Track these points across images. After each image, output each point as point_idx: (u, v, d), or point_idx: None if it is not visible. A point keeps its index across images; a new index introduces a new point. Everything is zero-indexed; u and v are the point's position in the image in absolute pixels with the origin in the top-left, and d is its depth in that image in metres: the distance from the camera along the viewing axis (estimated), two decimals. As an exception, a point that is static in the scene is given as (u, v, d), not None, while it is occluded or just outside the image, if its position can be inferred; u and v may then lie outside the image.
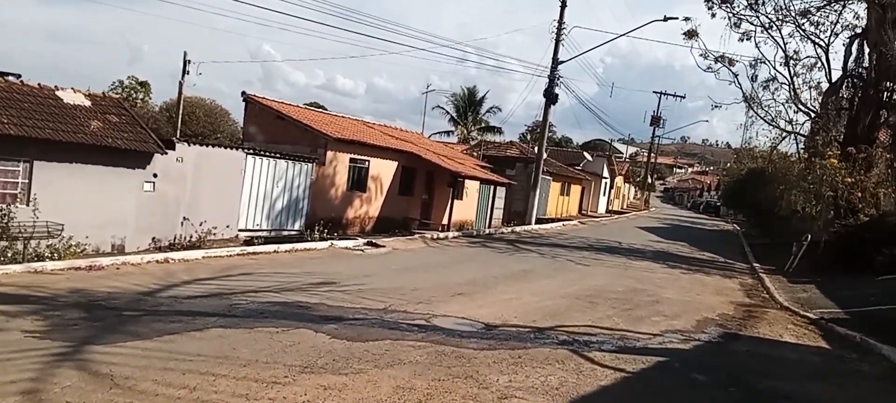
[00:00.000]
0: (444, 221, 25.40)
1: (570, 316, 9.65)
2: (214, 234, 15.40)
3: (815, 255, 18.88)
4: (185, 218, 14.68)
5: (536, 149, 27.33)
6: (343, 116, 25.14)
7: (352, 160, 21.64)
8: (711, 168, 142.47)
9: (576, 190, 40.69)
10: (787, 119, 21.24)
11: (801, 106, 20.36)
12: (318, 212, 20.15)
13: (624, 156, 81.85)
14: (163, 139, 14.43)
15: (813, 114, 19.43)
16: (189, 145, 15.39)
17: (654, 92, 58.52)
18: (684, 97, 56.63)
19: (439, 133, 52.27)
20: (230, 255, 12.63)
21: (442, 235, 19.16)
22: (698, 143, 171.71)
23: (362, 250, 14.47)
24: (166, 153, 13.92)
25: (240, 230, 16.76)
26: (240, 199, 16.79)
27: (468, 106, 54.71)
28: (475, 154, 33.98)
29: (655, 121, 56.39)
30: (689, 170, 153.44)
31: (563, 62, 25.78)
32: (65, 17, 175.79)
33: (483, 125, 52.84)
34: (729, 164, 51.53)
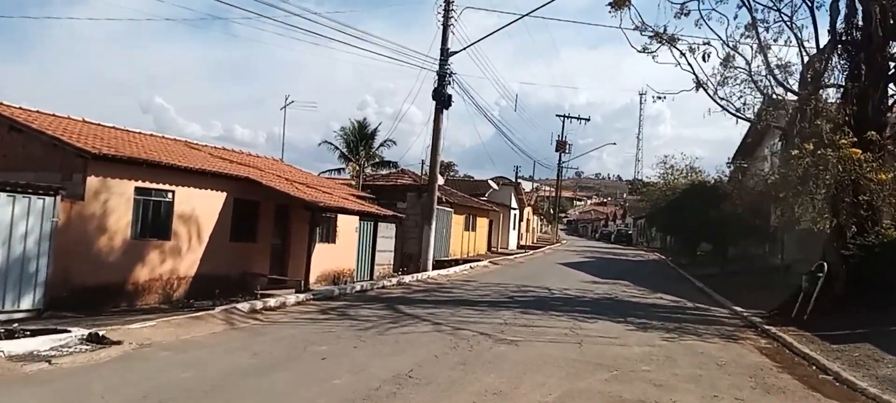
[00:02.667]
0: (308, 273, 18.16)
1: None
2: None
3: (823, 289, 13.30)
4: None
5: (429, 170, 20.61)
6: (132, 131, 17.16)
7: (139, 191, 13.85)
8: (609, 199, 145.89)
9: (483, 223, 34.39)
10: (749, 105, 15.86)
11: (776, 81, 14.94)
12: (74, 277, 12.32)
13: (529, 190, 77.64)
14: None
15: (804, 89, 14.01)
16: None
17: (557, 115, 54.19)
18: (588, 120, 52.65)
19: (330, 170, 45.03)
20: None
21: (276, 303, 11.72)
22: (592, 177, 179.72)
23: (52, 361, 6.75)
24: None
25: None
26: None
27: (359, 140, 47.89)
28: (353, 183, 26.90)
29: (561, 146, 51.84)
30: (589, 202, 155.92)
31: (455, 53, 19.42)
32: None
33: (377, 160, 45.88)
34: (643, 189, 47.50)
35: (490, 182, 39.22)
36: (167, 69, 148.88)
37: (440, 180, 28.02)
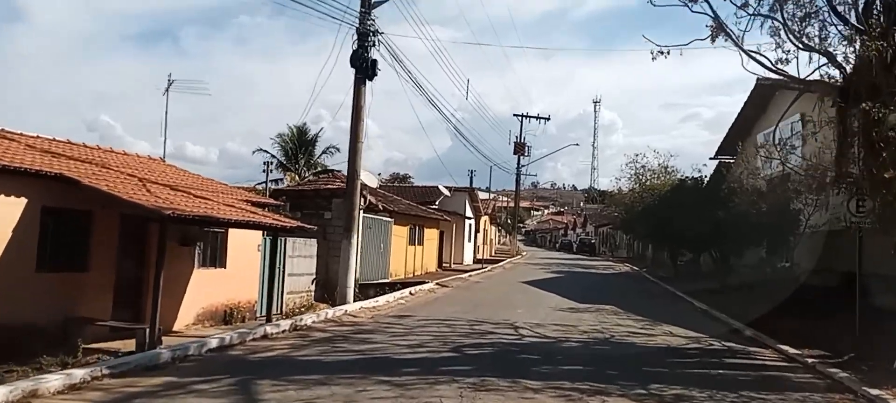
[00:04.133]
0: (183, 313, 12.73)
1: None
2: None
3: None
4: None
5: (348, 164, 15.25)
6: None
7: None
8: (566, 208, 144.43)
9: (432, 236, 29.17)
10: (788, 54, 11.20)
11: (834, 19, 10.29)
12: None
13: (486, 198, 72.92)
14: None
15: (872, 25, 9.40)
16: None
17: (514, 115, 49.57)
18: (548, 119, 48.12)
19: (265, 183, 39.11)
20: None
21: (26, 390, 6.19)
22: (548, 187, 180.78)
23: None
24: None
25: None
26: None
27: (299, 146, 42.19)
28: (257, 189, 21.41)
29: (520, 147, 47.14)
30: (546, 211, 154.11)
31: (379, 3, 14.18)
32: None
33: (320, 169, 40.16)
34: (613, 195, 43.05)
35: (441, 188, 34.09)
36: (114, 86, 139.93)
37: (373, 181, 22.76)
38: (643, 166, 36.04)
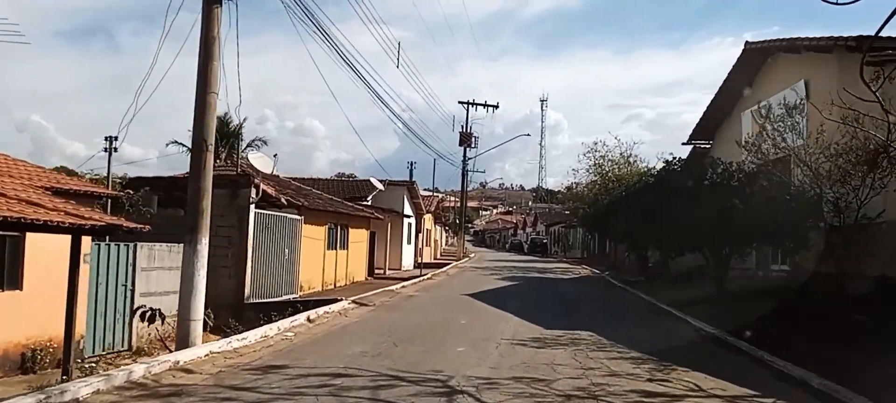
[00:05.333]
0: None
1: None
2: None
3: None
4: None
5: (193, 125, 10.10)
6: None
7: None
8: (515, 207, 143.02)
9: (360, 237, 24.11)
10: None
11: None
12: None
13: (429, 194, 68.15)
14: None
15: None
16: None
17: (460, 102, 45.04)
18: (497, 107, 43.58)
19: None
20: None
21: None
22: (497, 187, 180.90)
23: None
24: None
25: None
26: None
27: (221, 139, 36.32)
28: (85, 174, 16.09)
29: (466, 138, 42.52)
30: (495, 211, 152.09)
31: None
32: None
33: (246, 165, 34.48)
34: (571, 189, 38.90)
35: (374, 181, 29.00)
36: (46, 85, 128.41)
37: (267, 166, 17.59)
38: (603, 156, 32.07)
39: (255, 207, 15.34)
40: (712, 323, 12.14)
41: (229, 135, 41.07)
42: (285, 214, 17.19)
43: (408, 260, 32.59)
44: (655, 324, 13.23)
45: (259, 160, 17.22)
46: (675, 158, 18.57)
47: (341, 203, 23.05)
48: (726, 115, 23.28)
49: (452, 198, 69.78)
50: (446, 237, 66.80)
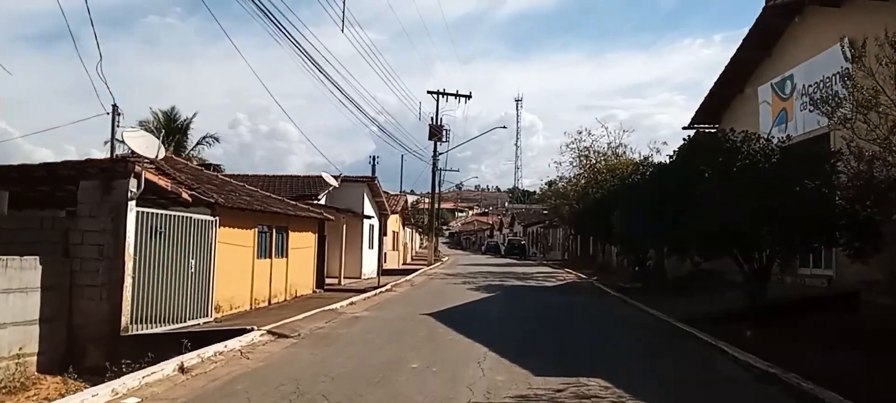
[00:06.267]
0: None
1: None
2: None
3: None
4: None
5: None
6: None
7: None
8: (491, 209, 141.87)
9: (305, 242, 20.05)
10: None
11: None
12: None
13: (397, 193, 64.15)
14: None
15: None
16: None
17: (428, 92, 41.18)
18: (470, 97, 39.81)
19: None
20: None
21: None
22: (472, 189, 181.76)
23: None
24: None
25: None
26: None
27: (167, 135, 32.03)
28: None
29: (436, 131, 38.65)
30: (471, 213, 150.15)
31: None
32: None
33: (195, 163, 30.29)
34: (555, 185, 35.27)
35: (326, 177, 24.95)
36: (9, 91, 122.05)
37: (151, 149, 13.38)
38: (589, 147, 28.47)
39: (139, 205, 11.26)
40: (774, 359, 8.43)
41: (175, 130, 36.80)
42: (191, 214, 13.09)
43: (370, 267, 28.61)
44: (688, 365, 9.45)
45: (139, 140, 13.07)
46: (686, 139, 14.91)
47: (279, 201, 19.00)
48: (738, 92, 19.89)
49: (427, 201, 66.06)
50: (420, 240, 62.96)
